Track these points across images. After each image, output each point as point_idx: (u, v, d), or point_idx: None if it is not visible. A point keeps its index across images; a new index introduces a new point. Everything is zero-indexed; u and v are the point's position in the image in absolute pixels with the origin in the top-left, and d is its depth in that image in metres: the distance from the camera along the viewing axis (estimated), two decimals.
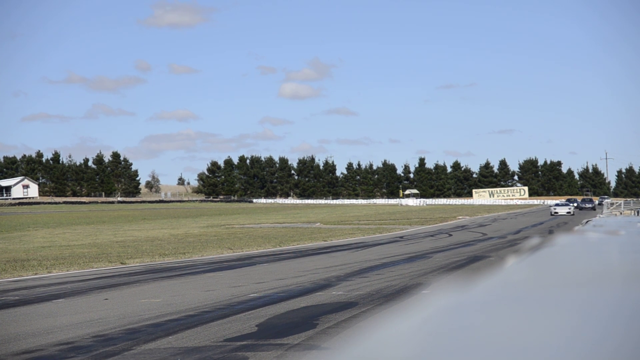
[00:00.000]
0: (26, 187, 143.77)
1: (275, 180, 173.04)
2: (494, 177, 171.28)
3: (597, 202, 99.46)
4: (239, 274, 18.68)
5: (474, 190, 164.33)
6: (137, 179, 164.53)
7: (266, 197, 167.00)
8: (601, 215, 36.53)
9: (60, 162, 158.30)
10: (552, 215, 62.82)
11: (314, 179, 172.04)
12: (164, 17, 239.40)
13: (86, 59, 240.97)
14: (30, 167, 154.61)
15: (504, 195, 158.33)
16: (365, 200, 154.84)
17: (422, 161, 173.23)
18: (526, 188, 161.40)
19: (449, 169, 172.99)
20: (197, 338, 9.43)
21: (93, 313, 12.02)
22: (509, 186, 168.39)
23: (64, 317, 11.63)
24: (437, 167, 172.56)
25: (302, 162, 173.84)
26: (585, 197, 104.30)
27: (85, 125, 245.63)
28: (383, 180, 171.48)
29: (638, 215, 43.85)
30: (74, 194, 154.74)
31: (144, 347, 8.98)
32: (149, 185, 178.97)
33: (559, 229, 41.04)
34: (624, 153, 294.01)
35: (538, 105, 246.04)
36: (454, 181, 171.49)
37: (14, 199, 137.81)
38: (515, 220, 56.57)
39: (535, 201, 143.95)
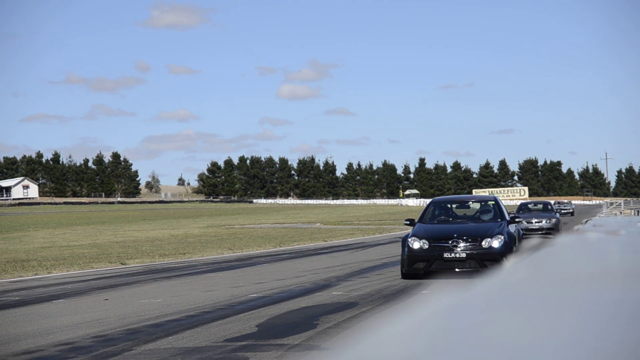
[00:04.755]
0: (26, 187, 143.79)
1: (275, 180, 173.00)
2: (494, 177, 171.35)
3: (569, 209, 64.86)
4: (239, 274, 18.67)
5: (474, 190, 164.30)
6: (137, 179, 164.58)
7: (266, 197, 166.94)
8: (601, 215, 36.49)
9: (60, 162, 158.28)
10: None
11: (314, 179, 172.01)
12: (163, 17, 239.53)
13: (86, 59, 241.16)
14: (30, 167, 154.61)
15: (504, 196, 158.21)
16: (366, 200, 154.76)
17: (422, 161, 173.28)
18: (526, 188, 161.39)
19: (449, 169, 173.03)
20: (198, 338, 9.43)
21: (93, 313, 12.02)
22: (509, 186, 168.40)
23: (64, 318, 11.63)
24: (437, 167, 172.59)
25: (302, 163, 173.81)
26: (539, 202, 36.30)
27: (85, 126, 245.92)
28: (383, 181, 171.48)
29: (638, 214, 43.87)
30: (74, 195, 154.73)
31: (144, 347, 8.98)
32: (149, 185, 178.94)
33: None
34: (624, 153, 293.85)
35: (538, 105, 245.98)
36: (454, 181, 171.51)
37: (14, 199, 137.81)
38: None
39: None
